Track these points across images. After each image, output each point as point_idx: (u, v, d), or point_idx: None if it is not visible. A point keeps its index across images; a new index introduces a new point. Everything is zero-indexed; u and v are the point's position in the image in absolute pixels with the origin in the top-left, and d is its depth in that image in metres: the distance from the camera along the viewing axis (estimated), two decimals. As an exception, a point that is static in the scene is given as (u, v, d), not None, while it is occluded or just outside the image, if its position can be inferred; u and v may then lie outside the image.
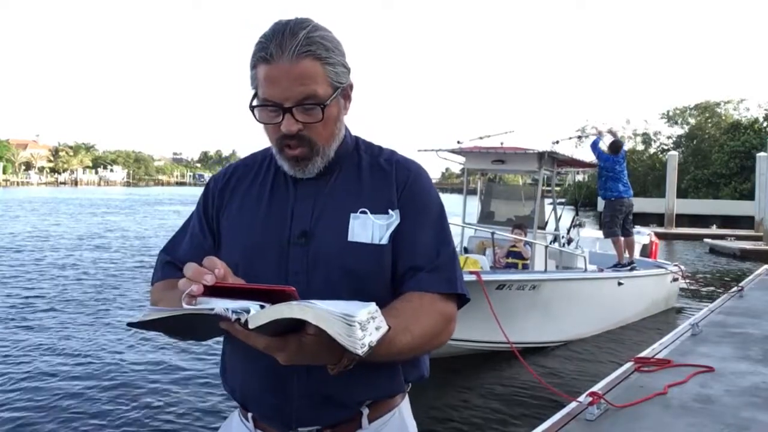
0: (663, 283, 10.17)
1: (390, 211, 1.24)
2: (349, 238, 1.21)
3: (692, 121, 46.74)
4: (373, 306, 0.94)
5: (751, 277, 11.27)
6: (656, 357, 5.26)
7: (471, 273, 5.95)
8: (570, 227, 9.33)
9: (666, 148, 45.63)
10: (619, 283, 8.52)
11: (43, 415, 5.11)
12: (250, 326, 0.88)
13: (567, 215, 10.03)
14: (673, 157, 30.62)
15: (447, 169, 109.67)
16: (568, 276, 7.88)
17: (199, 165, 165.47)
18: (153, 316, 0.95)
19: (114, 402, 5.45)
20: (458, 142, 8.48)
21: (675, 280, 10.53)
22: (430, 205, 1.28)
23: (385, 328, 0.95)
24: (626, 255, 9.29)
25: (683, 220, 29.69)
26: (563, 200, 12.91)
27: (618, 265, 9.14)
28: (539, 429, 3.71)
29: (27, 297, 9.94)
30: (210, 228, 1.34)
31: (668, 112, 47.94)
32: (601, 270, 8.65)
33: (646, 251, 11.36)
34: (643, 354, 5.45)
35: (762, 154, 24.46)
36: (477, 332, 6.21)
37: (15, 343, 7.24)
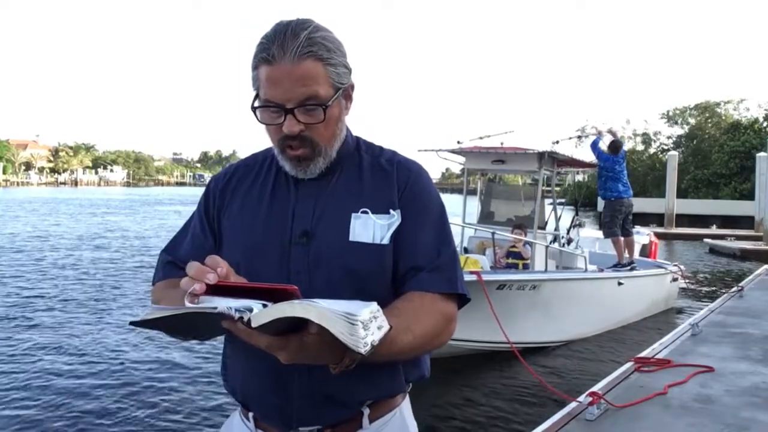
0: (663, 283, 10.18)
1: (391, 211, 1.24)
2: (351, 238, 1.21)
3: (692, 121, 46.75)
4: (374, 305, 0.95)
5: (751, 277, 11.27)
6: (656, 357, 5.27)
7: (471, 273, 5.95)
8: (570, 227, 9.33)
9: (666, 148, 45.64)
10: (619, 283, 8.53)
11: (45, 414, 5.13)
12: (253, 325, 0.88)
13: (567, 215, 10.03)
14: (673, 157, 30.63)
15: (447, 169, 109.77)
16: (568, 276, 7.88)
17: (199, 165, 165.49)
18: (155, 315, 0.95)
19: (116, 400, 5.46)
20: (458, 142, 8.48)
21: (675, 280, 10.54)
22: (431, 206, 1.29)
23: (386, 327, 0.96)
24: (626, 255, 9.30)
25: (683, 220, 29.69)
26: (563, 200, 12.91)
27: (618, 265, 9.14)
28: (539, 429, 3.71)
29: (28, 297, 9.95)
30: (211, 228, 1.34)
31: (668, 112, 47.99)
32: (601, 270, 8.65)
33: (646, 251, 11.36)
34: (643, 354, 5.45)
35: (762, 154, 24.46)
36: (477, 332, 6.22)
37: (16, 342, 7.26)
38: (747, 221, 27.08)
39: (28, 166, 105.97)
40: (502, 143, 8.34)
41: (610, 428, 3.66)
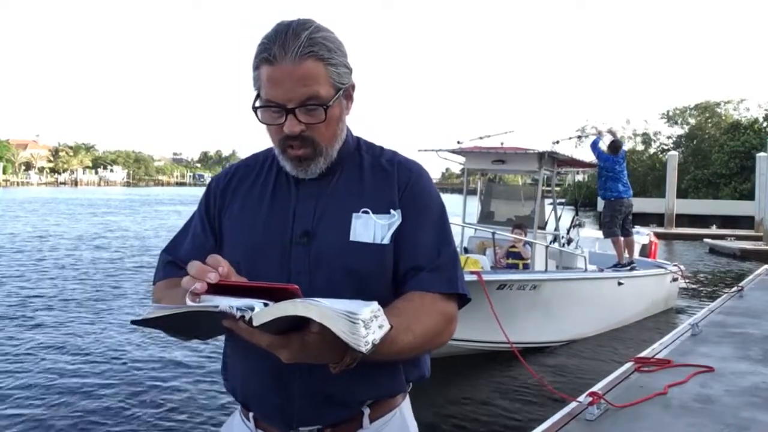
0: (663, 283, 10.18)
1: (392, 210, 1.24)
2: (351, 238, 1.21)
3: (692, 121, 46.75)
4: (375, 305, 0.95)
5: (751, 277, 11.28)
6: (656, 357, 5.27)
7: (472, 273, 5.95)
8: (570, 227, 9.33)
9: (666, 148, 45.64)
10: (619, 283, 8.53)
11: (46, 412, 5.14)
12: (255, 323, 0.88)
13: (567, 215, 10.03)
14: (673, 157, 30.62)
15: (447, 169, 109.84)
16: (568, 276, 7.88)
17: (199, 165, 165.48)
18: (157, 314, 0.95)
19: (117, 400, 5.47)
20: (458, 142, 8.48)
21: (675, 280, 10.54)
22: (432, 206, 1.29)
23: (387, 326, 0.96)
24: (626, 255, 9.30)
25: (683, 220, 29.69)
26: (563, 200, 12.91)
27: (618, 265, 9.14)
28: (539, 429, 3.71)
29: (28, 296, 9.95)
30: (212, 228, 1.34)
31: (668, 112, 47.99)
32: (601, 270, 8.66)
33: (646, 251, 11.36)
34: (643, 354, 5.45)
35: (762, 154, 24.46)
36: (478, 332, 6.22)
37: (17, 341, 7.26)
38: (747, 221, 27.08)
39: (28, 166, 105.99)
40: (502, 143, 8.35)
41: (610, 428, 3.66)
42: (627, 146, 32.08)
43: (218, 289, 0.97)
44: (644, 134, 48.38)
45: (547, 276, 7.24)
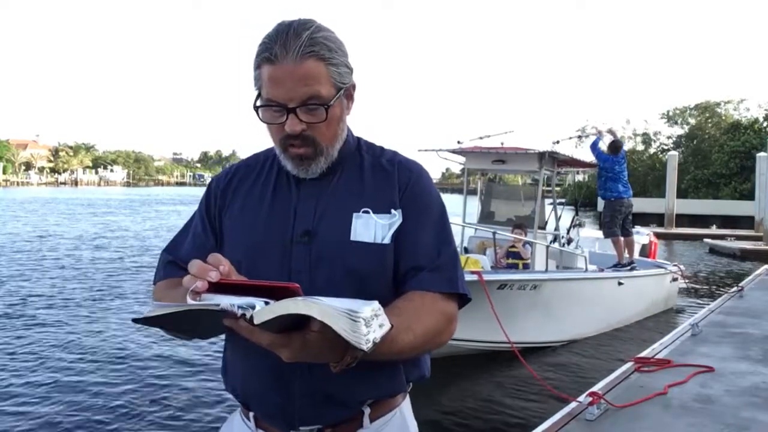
0: (663, 283, 10.18)
1: (392, 210, 1.24)
2: (352, 238, 1.22)
3: (692, 121, 46.76)
4: (376, 304, 0.95)
5: (751, 277, 11.28)
6: (656, 357, 5.27)
7: (473, 273, 5.95)
8: (570, 227, 9.34)
9: (666, 148, 45.65)
10: (619, 283, 8.53)
11: (48, 410, 5.16)
12: (256, 322, 0.88)
13: (567, 215, 10.04)
14: (673, 157, 30.63)
15: (447, 169, 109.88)
16: (568, 276, 7.88)
17: (199, 165, 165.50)
18: (159, 312, 0.95)
19: (119, 397, 5.49)
20: (458, 142, 8.48)
21: (675, 280, 10.54)
22: (432, 206, 1.29)
23: (388, 325, 0.96)
24: (626, 255, 9.30)
25: (683, 220, 29.69)
26: (563, 200, 12.91)
27: (618, 265, 9.14)
28: (539, 429, 3.71)
29: (28, 296, 9.95)
30: (212, 227, 1.34)
31: (668, 112, 47.99)
32: (602, 270, 8.66)
33: (645, 251, 11.37)
34: (643, 354, 5.45)
35: (762, 154, 24.46)
36: (478, 332, 6.22)
37: (18, 340, 7.27)
38: (747, 221, 27.08)
39: (28, 166, 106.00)
40: (502, 143, 8.34)
41: (610, 428, 3.67)
42: (627, 146, 32.09)
43: (219, 287, 0.97)
44: (644, 134, 48.40)
45: (548, 276, 7.24)
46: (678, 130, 47.79)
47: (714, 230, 26.44)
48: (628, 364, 5.07)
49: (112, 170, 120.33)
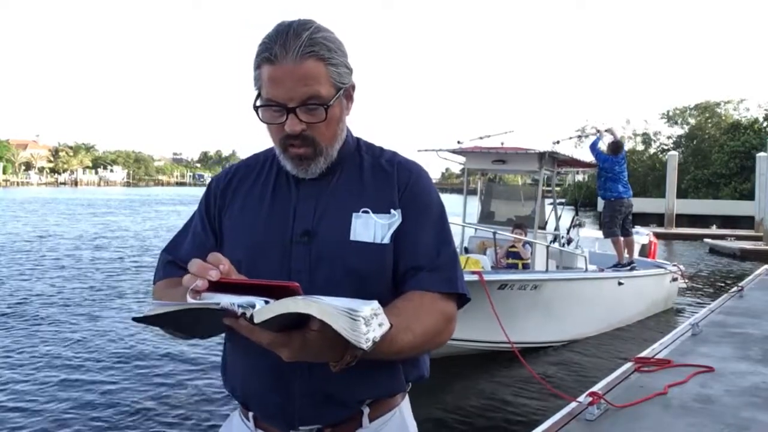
0: (663, 283, 10.18)
1: (392, 210, 1.25)
2: (352, 237, 1.22)
3: (692, 121, 46.78)
4: (375, 303, 0.95)
5: (751, 277, 11.28)
6: (656, 357, 5.27)
7: (473, 273, 5.96)
8: (570, 227, 9.34)
9: (666, 148, 45.67)
10: (620, 283, 8.53)
11: (49, 409, 5.17)
12: (256, 321, 0.88)
13: (567, 215, 10.04)
14: (673, 157, 30.64)
15: (447, 169, 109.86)
16: (569, 276, 7.88)
17: (199, 165, 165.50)
18: (159, 311, 0.95)
19: (119, 396, 5.51)
20: (458, 142, 8.48)
21: (675, 280, 10.54)
22: (431, 206, 1.29)
23: (387, 325, 0.96)
24: (626, 255, 9.30)
25: (683, 220, 29.70)
26: (563, 200, 12.91)
27: (618, 265, 9.15)
28: (539, 429, 3.71)
29: (28, 296, 9.95)
30: (212, 227, 1.34)
31: (668, 112, 48.03)
32: (602, 270, 8.66)
33: (645, 251, 11.37)
34: (643, 354, 5.45)
35: (762, 154, 24.47)
36: (478, 332, 6.22)
37: (18, 340, 7.27)
38: (747, 221, 27.09)
39: (28, 166, 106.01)
40: (502, 143, 8.35)
41: (610, 428, 3.67)
42: (627, 146, 32.10)
43: (219, 286, 0.97)
44: (644, 134, 48.43)
45: (548, 276, 7.24)
46: (678, 130, 47.87)
47: (714, 230, 26.44)
48: (628, 364, 5.07)
49: (112, 170, 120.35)
